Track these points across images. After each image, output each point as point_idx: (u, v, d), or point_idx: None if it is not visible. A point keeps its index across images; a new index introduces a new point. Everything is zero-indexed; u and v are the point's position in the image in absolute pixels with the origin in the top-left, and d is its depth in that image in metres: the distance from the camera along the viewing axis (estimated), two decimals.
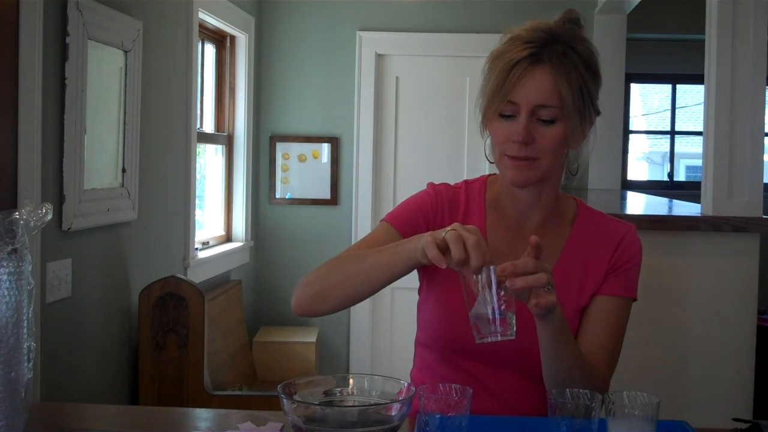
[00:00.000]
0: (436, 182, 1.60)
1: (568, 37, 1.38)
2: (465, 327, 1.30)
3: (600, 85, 1.43)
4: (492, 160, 1.48)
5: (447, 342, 1.49)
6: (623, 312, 1.49)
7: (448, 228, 1.23)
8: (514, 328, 1.20)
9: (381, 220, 1.54)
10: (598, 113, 1.44)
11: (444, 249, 1.21)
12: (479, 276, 1.20)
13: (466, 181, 1.58)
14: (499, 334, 1.20)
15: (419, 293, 1.59)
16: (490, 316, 1.20)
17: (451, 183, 1.59)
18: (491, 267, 1.20)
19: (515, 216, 1.50)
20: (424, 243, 1.22)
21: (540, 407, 1.30)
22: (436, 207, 1.52)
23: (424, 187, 1.59)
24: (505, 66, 1.35)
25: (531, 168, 1.39)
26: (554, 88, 1.35)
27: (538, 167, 1.39)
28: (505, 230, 1.50)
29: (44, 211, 1.21)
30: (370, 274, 1.34)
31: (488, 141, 1.47)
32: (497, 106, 1.37)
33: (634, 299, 1.51)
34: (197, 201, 3.68)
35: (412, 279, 1.67)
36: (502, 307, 1.20)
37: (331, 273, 1.39)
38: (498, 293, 1.19)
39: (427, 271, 1.54)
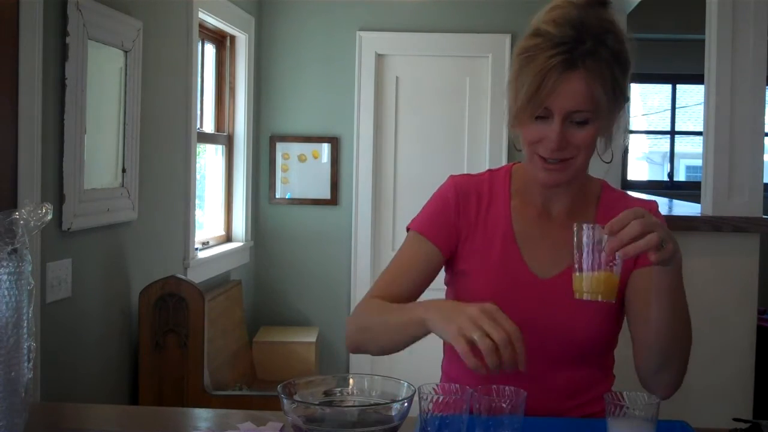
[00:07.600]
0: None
1: (597, 29, 1.35)
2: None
3: (630, 69, 1.41)
4: (519, 148, 1.48)
5: None
6: None
7: (480, 322, 1.19)
8: (614, 291, 1.23)
9: (408, 229, 1.54)
10: (627, 100, 1.43)
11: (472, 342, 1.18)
12: (583, 234, 1.22)
13: (490, 170, 1.60)
14: (588, 294, 1.23)
15: (446, 283, 1.59)
16: (586, 274, 1.23)
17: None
18: (594, 227, 1.22)
19: (542, 202, 1.53)
20: (451, 337, 1.20)
21: (569, 388, 1.34)
22: (458, 204, 1.53)
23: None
24: (539, 73, 1.34)
25: (563, 170, 1.41)
26: (588, 93, 1.34)
27: (571, 166, 1.41)
28: (531, 216, 1.52)
29: (44, 211, 1.21)
30: (395, 337, 1.39)
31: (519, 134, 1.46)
32: (532, 111, 1.37)
33: None
34: (197, 201, 3.68)
35: None
36: (600, 267, 1.22)
37: (365, 328, 1.46)
38: (598, 254, 1.22)
39: (451, 267, 1.55)
